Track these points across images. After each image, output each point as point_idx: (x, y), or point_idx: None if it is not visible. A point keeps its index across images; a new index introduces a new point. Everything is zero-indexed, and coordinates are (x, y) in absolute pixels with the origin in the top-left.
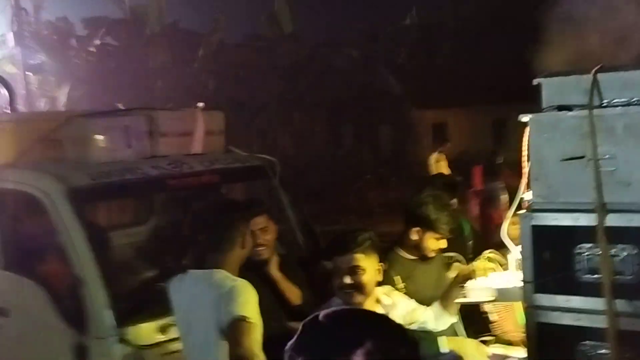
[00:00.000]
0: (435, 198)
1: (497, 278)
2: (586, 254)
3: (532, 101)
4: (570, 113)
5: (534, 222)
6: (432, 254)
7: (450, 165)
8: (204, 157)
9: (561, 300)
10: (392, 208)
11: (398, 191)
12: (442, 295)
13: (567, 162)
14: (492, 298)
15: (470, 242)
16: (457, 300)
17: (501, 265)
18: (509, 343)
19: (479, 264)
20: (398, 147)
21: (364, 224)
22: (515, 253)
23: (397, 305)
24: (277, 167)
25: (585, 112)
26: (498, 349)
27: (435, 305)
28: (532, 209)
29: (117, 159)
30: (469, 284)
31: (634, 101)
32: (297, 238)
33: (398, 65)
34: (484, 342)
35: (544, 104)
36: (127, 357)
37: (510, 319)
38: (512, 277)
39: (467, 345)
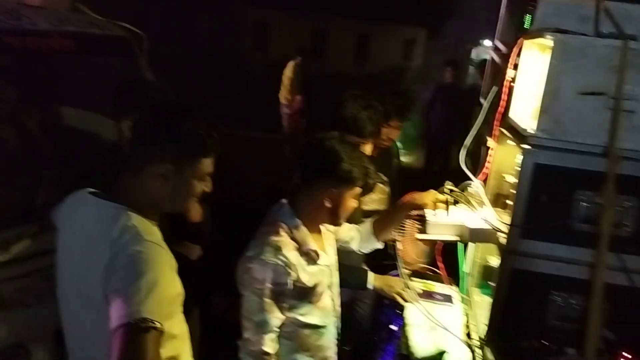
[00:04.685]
0: (355, 97)
1: (463, 214)
2: (586, 201)
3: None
4: (603, 41)
5: (538, 160)
6: None
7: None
8: (49, 13)
9: (545, 247)
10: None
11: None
12: (378, 219)
13: (583, 96)
14: (457, 237)
15: (395, 160)
16: (418, 236)
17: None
18: (421, 277)
19: (440, 196)
20: (216, 42)
21: None
22: (479, 189)
23: None
24: (145, 42)
25: (618, 41)
26: (419, 285)
27: (365, 227)
28: (533, 145)
29: None
30: (429, 217)
31: None
32: None
33: None
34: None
35: (536, 25)
36: None
37: (412, 250)
38: (484, 215)
39: (395, 284)
